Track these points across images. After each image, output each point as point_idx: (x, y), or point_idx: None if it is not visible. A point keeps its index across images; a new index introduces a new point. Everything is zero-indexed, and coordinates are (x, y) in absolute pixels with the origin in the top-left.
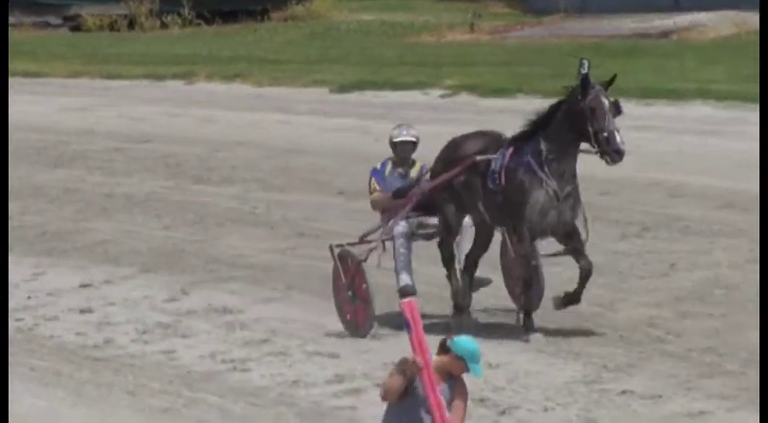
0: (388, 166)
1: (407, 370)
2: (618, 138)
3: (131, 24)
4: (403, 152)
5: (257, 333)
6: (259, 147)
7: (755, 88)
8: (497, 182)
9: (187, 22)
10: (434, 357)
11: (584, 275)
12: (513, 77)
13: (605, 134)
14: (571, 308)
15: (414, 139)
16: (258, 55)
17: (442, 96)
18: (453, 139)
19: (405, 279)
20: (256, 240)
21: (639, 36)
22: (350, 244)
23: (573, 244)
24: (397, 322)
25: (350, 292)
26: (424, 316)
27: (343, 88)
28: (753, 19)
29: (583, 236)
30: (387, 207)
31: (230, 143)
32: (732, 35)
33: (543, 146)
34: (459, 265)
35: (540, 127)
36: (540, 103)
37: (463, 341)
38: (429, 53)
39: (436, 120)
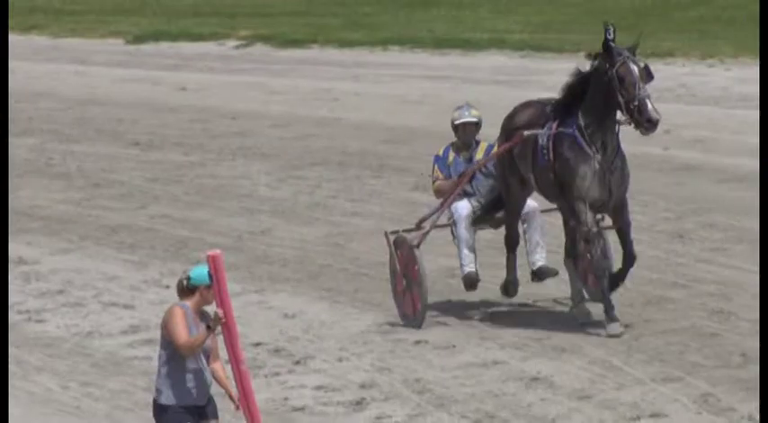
0: (451, 152)
1: (212, 323)
2: (650, 106)
3: None
4: (466, 135)
5: (53, 284)
6: (56, 98)
7: (549, 37)
8: (546, 158)
9: None
10: (185, 302)
11: (625, 260)
12: (309, 28)
13: (636, 103)
14: (361, 258)
15: (476, 120)
16: (55, 6)
17: (237, 47)
18: (514, 108)
19: (468, 266)
20: (52, 191)
21: None
22: (405, 230)
23: (620, 221)
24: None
25: (404, 281)
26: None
27: (139, 39)
28: None
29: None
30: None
31: (28, 94)
32: None
33: (582, 120)
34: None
35: (577, 98)
36: (336, 54)
37: (199, 271)
38: (225, 4)
39: (232, 70)
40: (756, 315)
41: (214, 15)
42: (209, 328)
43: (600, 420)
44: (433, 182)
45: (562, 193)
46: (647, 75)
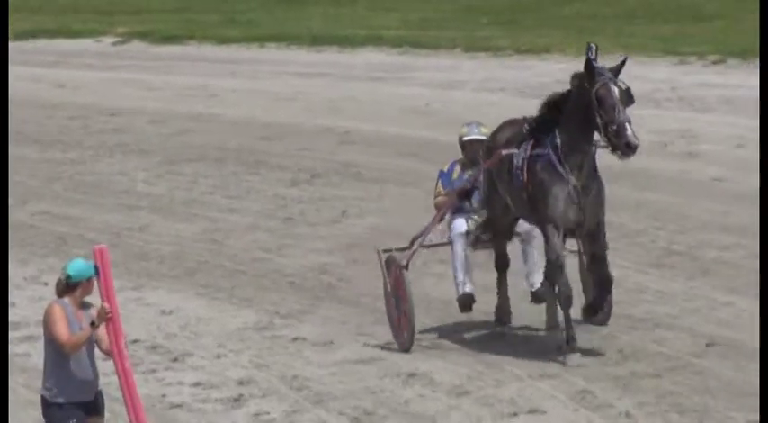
0: (456, 169)
1: (99, 317)
2: (629, 130)
3: None
4: (472, 152)
5: None
6: None
7: (426, 34)
8: (520, 178)
9: None
10: (64, 299)
11: (601, 285)
12: (186, 24)
13: (615, 126)
14: (238, 255)
15: (484, 138)
16: None
17: (115, 44)
18: (500, 124)
19: (464, 286)
20: None
21: None
22: (398, 249)
23: (594, 249)
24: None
25: (394, 300)
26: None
27: (19, 36)
28: None
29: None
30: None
31: None
32: None
33: (559, 139)
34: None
35: (554, 117)
36: (213, 50)
37: (77, 265)
38: (103, 1)
39: (110, 67)
40: (633, 310)
41: (92, 12)
42: (92, 324)
43: (478, 417)
44: (435, 197)
45: (535, 214)
46: (628, 98)
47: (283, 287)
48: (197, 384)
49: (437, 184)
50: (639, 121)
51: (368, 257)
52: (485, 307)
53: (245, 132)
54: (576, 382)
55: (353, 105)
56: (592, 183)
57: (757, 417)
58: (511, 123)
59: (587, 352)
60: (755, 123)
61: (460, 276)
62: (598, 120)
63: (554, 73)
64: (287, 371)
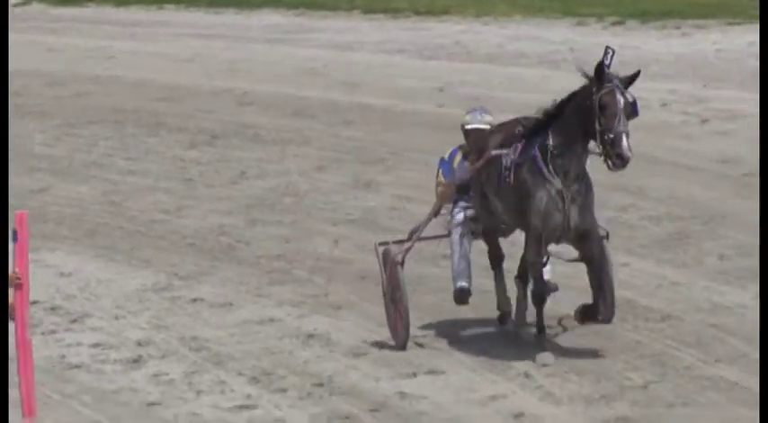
0: (458, 156)
1: (9, 282)
2: (624, 142)
3: None
4: (475, 141)
5: None
6: None
7: None
8: (507, 180)
9: None
10: None
11: (599, 289)
12: None
13: (611, 135)
14: (137, 216)
15: (489, 127)
16: None
17: (15, 5)
18: (498, 124)
19: (460, 280)
20: None
21: None
22: (396, 242)
23: (586, 251)
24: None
25: (389, 296)
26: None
27: None
28: None
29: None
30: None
31: None
32: None
33: (551, 140)
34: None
35: (552, 118)
36: (112, 12)
37: None
38: None
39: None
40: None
41: None
42: None
43: (376, 377)
44: (436, 187)
45: (520, 218)
46: (633, 111)
47: (182, 248)
48: (96, 345)
49: (438, 173)
50: (541, 82)
51: (267, 218)
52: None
53: (144, 94)
54: (477, 343)
55: (252, 67)
56: (579, 186)
57: (654, 377)
58: (514, 123)
59: (490, 314)
60: (653, 85)
61: (457, 269)
62: (597, 126)
63: (453, 35)
64: (186, 332)
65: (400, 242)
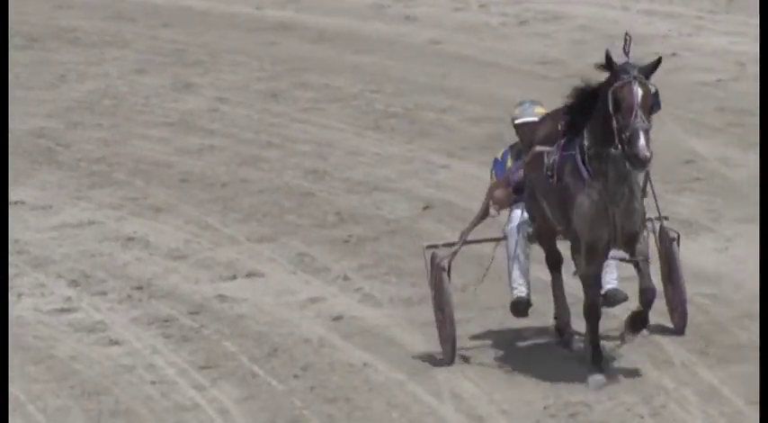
0: (510, 156)
1: None
2: (641, 140)
3: None
4: (527, 136)
5: None
6: None
7: None
8: (550, 181)
9: None
10: None
11: (645, 298)
12: None
13: (628, 133)
14: None
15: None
16: None
17: None
18: (544, 116)
19: (518, 289)
20: None
21: None
22: (445, 245)
23: (631, 253)
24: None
25: (435, 304)
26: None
27: None
28: None
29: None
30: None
31: None
32: None
33: (586, 140)
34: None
35: (585, 115)
36: None
37: None
38: None
39: None
40: (351, 173)
41: None
42: None
43: (196, 279)
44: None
45: (564, 222)
46: (655, 103)
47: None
48: None
49: (491, 174)
50: None
51: (87, 121)
52: None
53: None
54: (295, 245)
55: None
56: (623, 188)
57: (472, 281)
58: (553, 115)
59: (304, 214)
60: None
61: (515, 277)
62: (614, 123)
63: None
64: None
65: (449, 245)
